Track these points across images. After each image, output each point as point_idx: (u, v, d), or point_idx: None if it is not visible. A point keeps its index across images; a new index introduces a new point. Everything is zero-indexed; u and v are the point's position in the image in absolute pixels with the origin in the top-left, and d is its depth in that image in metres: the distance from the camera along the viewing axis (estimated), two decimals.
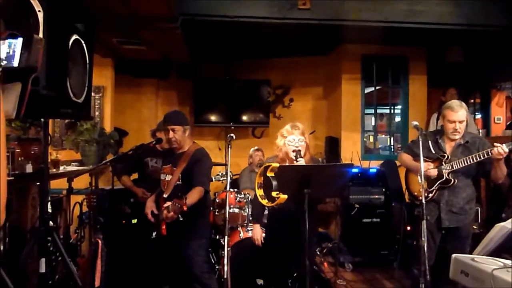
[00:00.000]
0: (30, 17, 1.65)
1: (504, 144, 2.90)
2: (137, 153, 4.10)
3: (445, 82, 5.88)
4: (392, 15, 4.54)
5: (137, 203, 4.09)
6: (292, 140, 3.00)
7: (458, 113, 3.15)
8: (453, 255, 2.78)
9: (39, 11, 1.70)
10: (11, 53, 1.30)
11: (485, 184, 4.64)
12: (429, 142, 3.33)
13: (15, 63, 1.29)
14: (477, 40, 5.30)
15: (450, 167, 3.16)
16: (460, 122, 3.16)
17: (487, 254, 2.73)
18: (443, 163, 3.21)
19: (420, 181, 3.26)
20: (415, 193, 3.39)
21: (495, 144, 2.95)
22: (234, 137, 2.96)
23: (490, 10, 4.61)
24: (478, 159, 3.03)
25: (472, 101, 8.09)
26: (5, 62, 1.28)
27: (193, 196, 3.00)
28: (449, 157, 3.21)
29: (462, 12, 4.58)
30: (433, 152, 3.29)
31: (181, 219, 3.00)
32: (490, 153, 2.94)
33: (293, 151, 2.94)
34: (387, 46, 5.76)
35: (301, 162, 2.87)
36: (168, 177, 3.24)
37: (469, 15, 4.59)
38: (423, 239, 2.64)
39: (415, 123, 3.11)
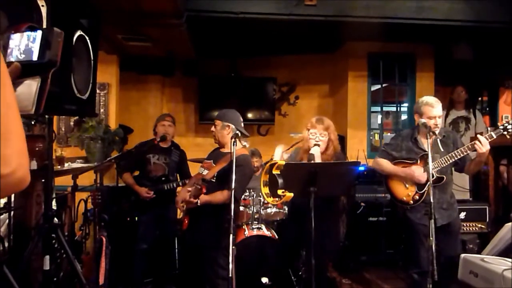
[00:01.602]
0: (33, 11, 1.63)
1: (484, 136, 2.95)
2: (142, 150, 4.09)
3: (453, 80, 5.81)
4: (400, 12, 4.49)
5: (138, 200, 4.06)
6: (314, 133, 3.04)
7: (437, 108, 3.17)
8: (462, 255, 2.76)
9: (42, 5, 1.68)
10: (30, 46, 1.26)
11: (493, 183, 4.58)
12: (410, 142, 3.32)
13: (35, 57, 1.26)
14: (486, 37, 5.23)
15: (447, 160, 3.12)
16: (439, 117, 3.18)
17: (497, 254, 2.70)
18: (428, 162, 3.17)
19: (406, 185, 3.25)
20: (404, 198, 3.29)
21: (478, 136, 3.00)
22: (239, 134, 2.92)
23: (500, 6, 4.54)
24: (465, 153, 3.05)
25: (480, 99, 8.01)
26: (24, 56, 1.25)
27: (218, 196, 2.94)
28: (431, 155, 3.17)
29: (471, 8, 4.52)
30: (436, 151, 3.25)
31: (198, 204, 2.93)
32: (472, 147, 2.98)
33: (314, 145, 2.99)
34: (394, 43, 5.70)
35: (314, 151, 2.89)
36: (205, 172, 3.20)
37: (478, 11, 4.52)
38: (431, 238, 2.60)
39: (423, 120, 3.08)
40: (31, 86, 1.24)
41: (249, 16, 4.35)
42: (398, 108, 6.29)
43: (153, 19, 4.17)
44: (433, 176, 3.11)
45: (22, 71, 1.16)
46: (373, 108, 6.09)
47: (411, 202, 3.23)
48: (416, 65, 5.89)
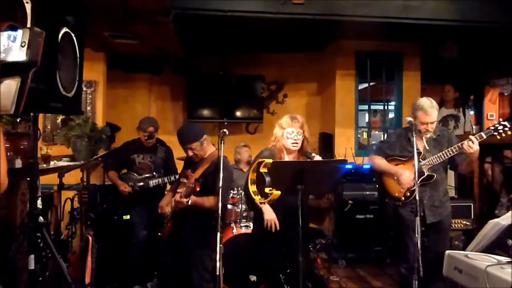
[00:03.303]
0: (17, 8, 1.60)
1: (474, 136, 2.96)
2: (129, 149, 4.07)
3: (440, 79, 5.88)
4: (387, 11, 4.52)
5: (124, 198, 4.03)
6: (291, 132, 3.01)
7: (431, 115, 3.17)
8: (447, 252, 2.79)
9: (26, 2, 1.66)
10: (10, 46, 1.25)
11: (478, 181, 4.65)
12: (404, 141, 3.35)
13: (15, 57, 1.24)
14: (471, 36, 5.30)
15: (438, 158, 3.15)
16: (432, 123, 3.19)
17: (481, 250, 2.74)
18: (420, 160, 3.18)
19: (396, 181, 3.27)
20: (396, 194, 3.33)
21: (470, 136, 3.00)
22: (227, 132, 2.90)
23: (485, 6, 4.61)
24: (455, 152, 3.07)
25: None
26: (3, 55, 1.23)
27: (207, 201, 2.93)
28: (423, 153, 3.21)
29: (457, 8, 4.58)
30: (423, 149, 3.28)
31: (189, 203, 2.91)
32: (461, 146, 2.99)
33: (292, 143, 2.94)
34: (382, 42, 5.74)
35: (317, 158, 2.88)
36: (186, 181, 3.18)
37: (464, 11, 4.58)
38: (416, 235, 2.63)
39: (410, 119, 3.10)
40: (10, 86, 1.22)
41: (237, 15, 4.35)
42: (386, 106, 6.35)
43: (140, 17, 4.14)
44: (423, 174, 3.16)
45: (2, 71, 1.14)
46: (361, 107, 6.14)
47: (402, 198, 3.27)
48: (403, 64, 5.94)
